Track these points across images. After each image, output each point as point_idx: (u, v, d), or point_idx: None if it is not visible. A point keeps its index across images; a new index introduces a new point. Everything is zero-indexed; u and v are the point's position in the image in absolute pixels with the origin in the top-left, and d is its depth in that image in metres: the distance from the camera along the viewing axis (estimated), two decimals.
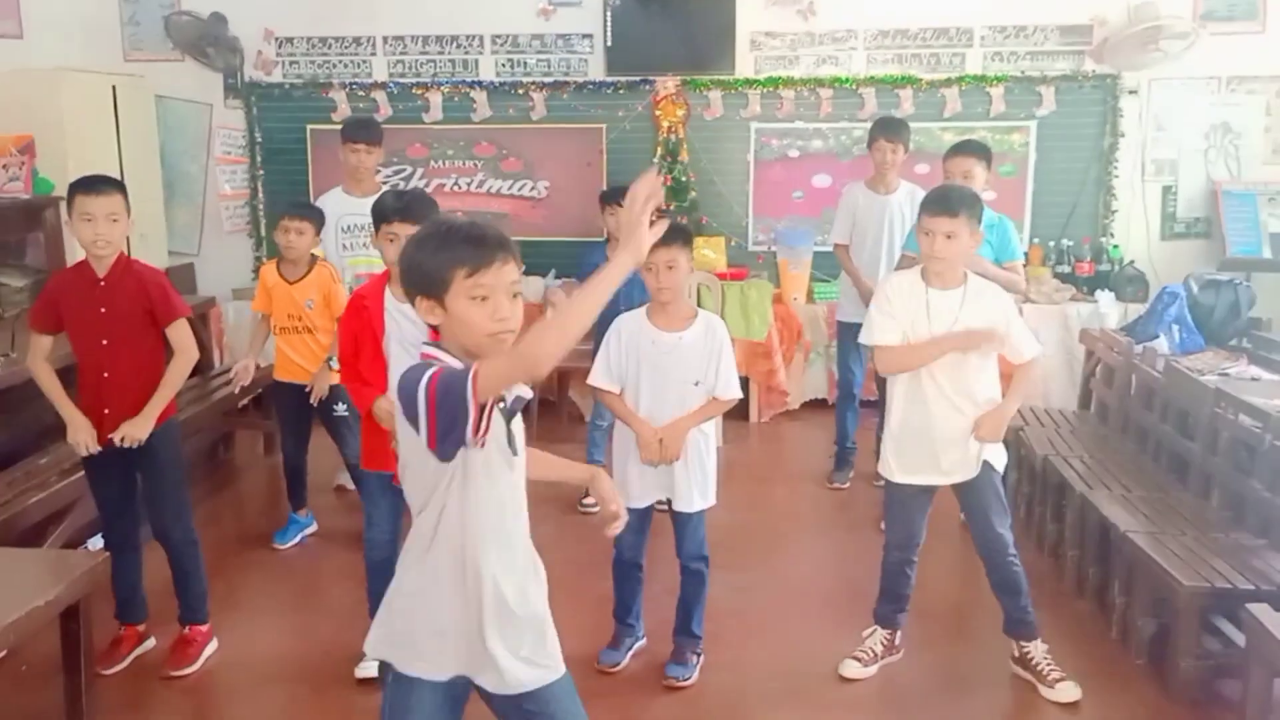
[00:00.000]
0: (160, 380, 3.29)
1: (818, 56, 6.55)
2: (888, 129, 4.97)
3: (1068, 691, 3.24)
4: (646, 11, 6.49)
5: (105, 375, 3.25)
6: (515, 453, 1.96)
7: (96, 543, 4.01)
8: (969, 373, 3.19)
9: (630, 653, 3.48)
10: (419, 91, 6.68)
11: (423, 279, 1.89)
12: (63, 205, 5.60)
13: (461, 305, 1.86)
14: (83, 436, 3.22)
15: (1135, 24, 6.09)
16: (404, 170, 6.73)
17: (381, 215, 3.17)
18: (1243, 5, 6.27)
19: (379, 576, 3.30)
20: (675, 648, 3.43)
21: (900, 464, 3.30)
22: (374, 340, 3.20)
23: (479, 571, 1.94)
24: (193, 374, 3.48)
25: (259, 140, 6.80)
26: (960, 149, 4.27)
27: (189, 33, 6.53)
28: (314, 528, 4.61)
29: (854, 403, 5.21)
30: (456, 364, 1.86)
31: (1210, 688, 3.22)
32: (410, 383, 1.84)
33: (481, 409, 1.79)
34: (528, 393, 1.95)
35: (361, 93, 6.69)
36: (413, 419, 1.84)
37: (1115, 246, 6.51)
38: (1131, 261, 6.40)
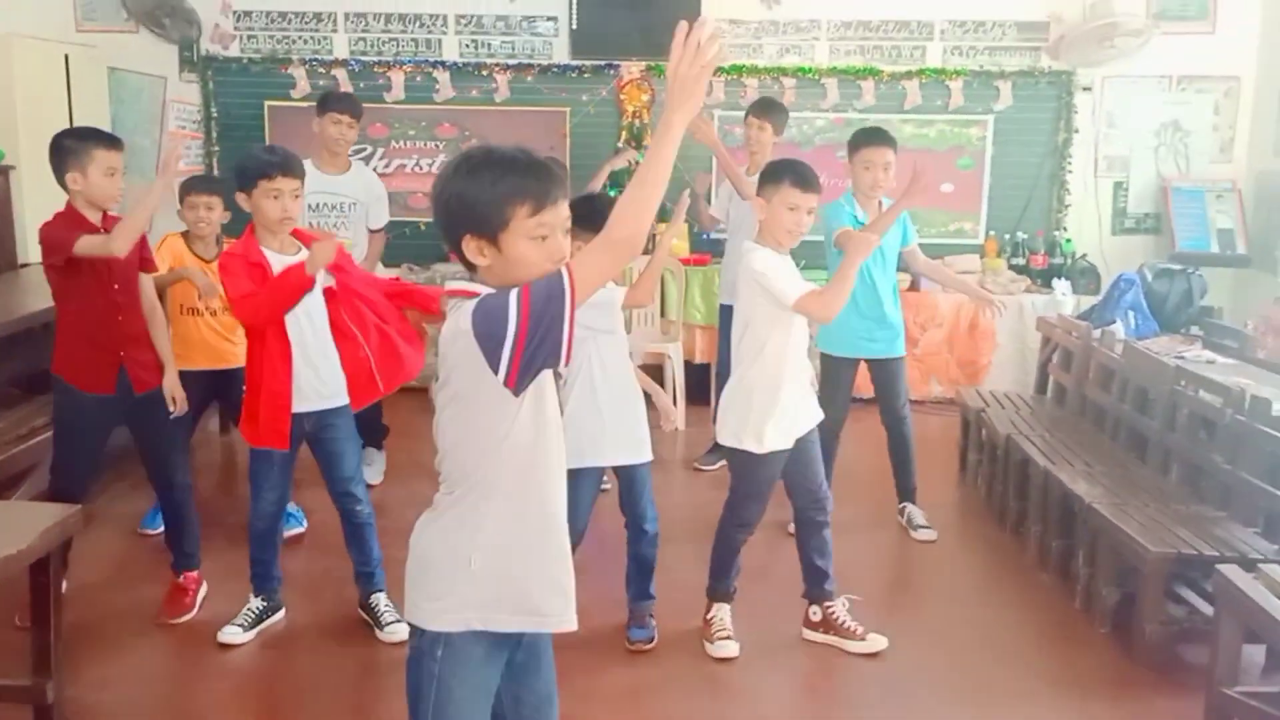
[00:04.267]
0: (151, 331, 3.44)
1: (781, 45, 6.60)
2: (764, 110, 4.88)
3: (877, 642, 3.33)
4: None
5: (120, 319, 3.31)
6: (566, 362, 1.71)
7: None
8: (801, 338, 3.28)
9: None
10: (381, 70, 6.60)
11: (473, 216, 1.69)
12: (13, 174, 5.56)
13: (521, 246, 1.69)
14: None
15: (1091, 21, 6.23)
16: (364, 150, 6.63)
17: (261, 170, 3.10)
18: (1194, 5, 6.44)
19: (262, 545, 3.40)
20: (634, 612, 3.42)
21: (776, 431, 3.22)
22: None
23: (555, 512, 1.81)
24: None
25: (214, 116, 6.67)
26: (878, 139, 4.06)
27: (145, 1, 6.38)
28: None
29: None
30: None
31: (1174, 652, 3.31)
32: (495, 307, 1.62)
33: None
34: None
35: (322, 70, 6.59)
36: (493, 348, 1.63)
37: (1068, 240, 6.64)
38: (1084, 255, 6.54)
